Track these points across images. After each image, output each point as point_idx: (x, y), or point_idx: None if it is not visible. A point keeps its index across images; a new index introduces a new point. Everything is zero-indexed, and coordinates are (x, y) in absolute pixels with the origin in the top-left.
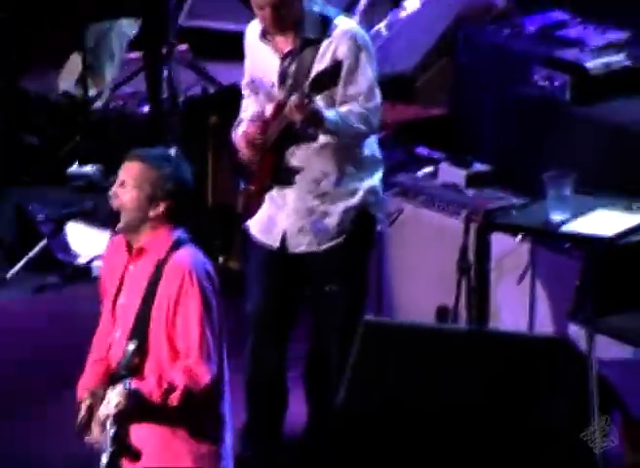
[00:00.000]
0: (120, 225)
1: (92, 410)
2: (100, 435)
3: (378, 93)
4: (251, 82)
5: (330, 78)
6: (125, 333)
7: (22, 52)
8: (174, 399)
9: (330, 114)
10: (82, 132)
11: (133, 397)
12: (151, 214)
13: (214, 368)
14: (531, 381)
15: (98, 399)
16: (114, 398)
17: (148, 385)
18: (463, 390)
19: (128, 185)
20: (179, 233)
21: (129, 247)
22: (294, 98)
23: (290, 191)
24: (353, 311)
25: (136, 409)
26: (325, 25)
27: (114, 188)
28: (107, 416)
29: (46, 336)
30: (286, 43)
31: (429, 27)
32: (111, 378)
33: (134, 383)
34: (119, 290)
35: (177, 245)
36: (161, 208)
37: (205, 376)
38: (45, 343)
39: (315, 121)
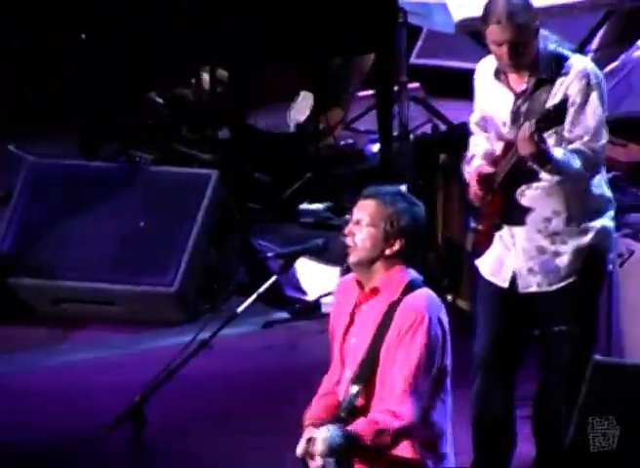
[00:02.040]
0: (352, 262)
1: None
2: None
3: (604, 133)
4: (481, 120)
5: (556, 115)
6: (352, 374)
7: (253, 88)
8: (384, 440)
9: (557, 153)
10: (312, 168)
11: (341, 440)
12: (387, 251)
13: (418, 409)
14: None
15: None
16: (318, 440)
17: (359, 426)
18: None
19: (363, 223)
20: (413, 274)
21: (360, 285)
22: (523, 131)
23: (519, 231)
24: (582, 352)
25: (350, 450)
26: (559, 64)
27: (349, 227)
28: (319, 454)
29: (269, 369)
30: (520, 82)
31: None
32: (332, 419)
33: (350, 426)
34: (348, 328)
35: (411, 286)
36: (396, 245)
37: (407, 415)
38: (267, 376)
39: (542, 159)
